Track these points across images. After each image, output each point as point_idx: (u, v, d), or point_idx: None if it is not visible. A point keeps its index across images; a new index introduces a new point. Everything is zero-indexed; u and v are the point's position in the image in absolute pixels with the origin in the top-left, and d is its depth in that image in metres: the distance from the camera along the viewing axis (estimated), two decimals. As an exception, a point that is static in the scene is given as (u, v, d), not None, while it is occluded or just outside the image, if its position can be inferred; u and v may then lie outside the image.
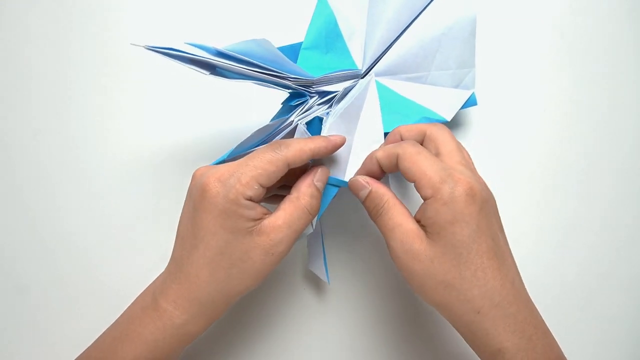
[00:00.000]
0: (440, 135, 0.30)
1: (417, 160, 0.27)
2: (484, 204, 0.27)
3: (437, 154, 0.29)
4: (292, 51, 0.35)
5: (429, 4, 0.35)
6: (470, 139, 0.41)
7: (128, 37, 0.42)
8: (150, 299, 0.29)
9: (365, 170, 0.31)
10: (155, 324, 0.28)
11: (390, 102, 0.35)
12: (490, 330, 0.26)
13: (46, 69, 0.41)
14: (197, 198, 0.27)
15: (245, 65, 0.29)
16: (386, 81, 0.36)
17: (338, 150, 0.31)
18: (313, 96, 0.33)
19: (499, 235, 0.28)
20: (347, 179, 0.32)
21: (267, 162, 0.27)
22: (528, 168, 0.41)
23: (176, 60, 0.27)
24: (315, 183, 0.30)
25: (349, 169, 0.33)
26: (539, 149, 0.41)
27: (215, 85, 0.40)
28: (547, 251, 0.40)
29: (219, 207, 0.27)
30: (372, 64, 0.35)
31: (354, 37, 0.35)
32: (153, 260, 0.32)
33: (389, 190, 0.30)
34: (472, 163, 0.30)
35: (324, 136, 0.30)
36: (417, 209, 0.28)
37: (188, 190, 0.29)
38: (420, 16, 0.35)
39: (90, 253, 0.39)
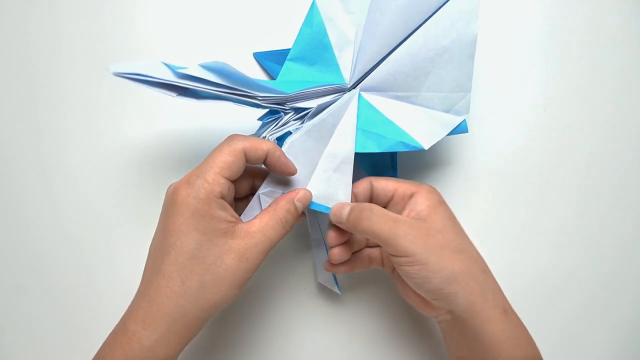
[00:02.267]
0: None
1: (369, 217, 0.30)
2: (444, 203, 0.33)
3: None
4: (282, 57, 0.35)
5: (427, 19, 0.33)
6: (467, 140, 0.41)
7: (127, 36, 0.41)
8: (120, 324, 0.28)
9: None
10: (123, 349, 0.26)
11: (369, 120, 0.34)
12: (495, 289, 0.30)
13: (43, 70, 0.41)
14: (168, 205, 0.28)
15: (213, 86, 0.29)
16: (371, 97, 0.35)
17: (300, 171, 0.32)
18: (288, 112, 0.33)
19: (459, 233, 0.32)
20: (312, 194, 0.33)
21: (225, 154, 0.28)
22: (525, 169, 0.41)
23: (145, 85, 0.28)
24: (295, 202, 0.30)
25: (312, 185, 0.33)
26: (535, 150, 0.41)
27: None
28: (546, 252, 0.41)
29: (190, 208, 0.27)
30: (360, 77, 0.34)
31: (345, 47, 0.34)
32: None
33: (368, 204, 0.31)
34: None
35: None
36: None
37: (164, 202, 0.29)
38: (417, 32, 0.33)
39: (90, 254, 0.39)
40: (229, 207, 0.28)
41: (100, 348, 0.28)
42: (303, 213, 0.33)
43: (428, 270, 0.29)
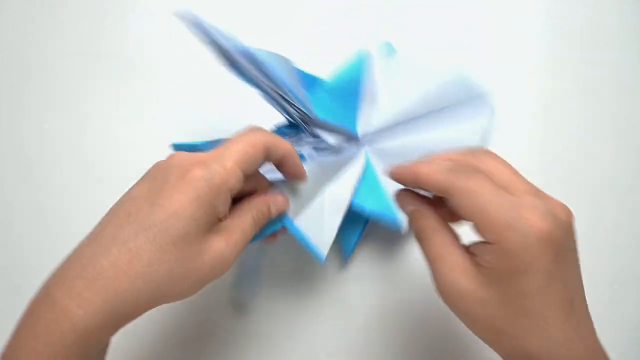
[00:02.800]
0: (492, 162, 0.25)
1: (475, 198, 0.22)
2: (560, 248, 0.22)
3: None
4: (308, 80, 0.35)
5: (449, 107, 0.36)
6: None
7: (129, 36, 0.43)
8: (43, 295, 0.22)
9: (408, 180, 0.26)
10: (49, 329, 0.21)
11: (366, 178, 0.35)
12: None
13: (49, 68, 0.42)
14: (174, 176, 0.24)
15: (263, 75, 0.28)
16: (376, 161, 0.35)
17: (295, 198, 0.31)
18: (307, 134, 0.33)
19: (572, 278, 0.23)
20: (296, 224, 0.31)
21: (247, 144, 0.26)
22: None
23: (202, 36, 0.25)
24: (271, 207, 0.29)
25: (303, 216, 0.32)
26: (537, 152, 0.41)
27: (220, 85, 0.40)
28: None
29: (197, 192, 0.24)
30: (372, 134, 0.35)
31: (369, 102, 0.35)
32: None
33: (432, 213, 0.26)
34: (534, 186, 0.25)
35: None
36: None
37: (154, 169, 0.26)
38: (437, 115, 0.35)
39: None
40: (229, 203, 0.26)
41: (20, 321, 0.23)
42: (275, 234, 0.31)
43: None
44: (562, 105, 0.42)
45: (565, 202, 0.33)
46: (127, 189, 0.26)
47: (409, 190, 0.27)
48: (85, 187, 0.40)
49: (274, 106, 0.30)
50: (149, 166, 0.27)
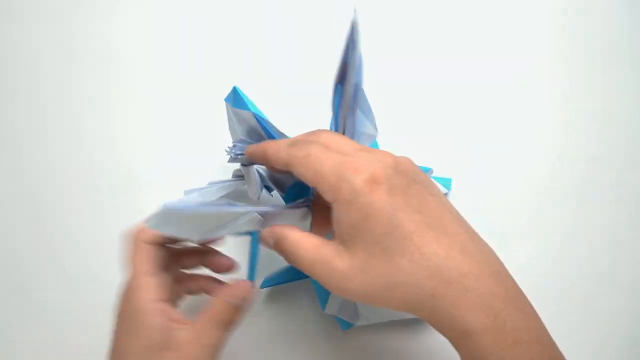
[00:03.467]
0: (326, 135, 0.26)
1: (308, 163, 0.24)
2: (393, 180, 0.23)
3: None
4: None
5: None
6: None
7: (128, 40, 0.43)
8: None
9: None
10: None
11: None
12: (451, 312, 0.22)
13: (48, 72, 0.42)
14: (121, 326, 0.27)
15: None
16: None
17: None
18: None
19: (429, 205, 0.24)
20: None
21: (138, 252, 0.28)
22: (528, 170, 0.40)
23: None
24: (226, 299, 0.27)
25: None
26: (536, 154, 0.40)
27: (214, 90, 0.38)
28: (548, 252, 0.38)
29: (126, 323, 0.26)
30: None
31: None
32: None
33: (291, 229, 0.26)
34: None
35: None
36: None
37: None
38: None
39: (91, 253, 0.39)
40: (167, 310, 0.26)
41: None
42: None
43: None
44: (577, 106, 0.41)
45: (579, 205, 0.40)
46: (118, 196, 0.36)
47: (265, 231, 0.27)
48: (86, 188, 0.40)
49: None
50: (140, 167, 0.38)
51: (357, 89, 0.27)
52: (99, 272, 0.38)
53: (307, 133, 0.27)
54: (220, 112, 0.33)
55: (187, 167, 0.40)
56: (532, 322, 0.23)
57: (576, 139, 0.40)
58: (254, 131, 0.30)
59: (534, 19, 0.42)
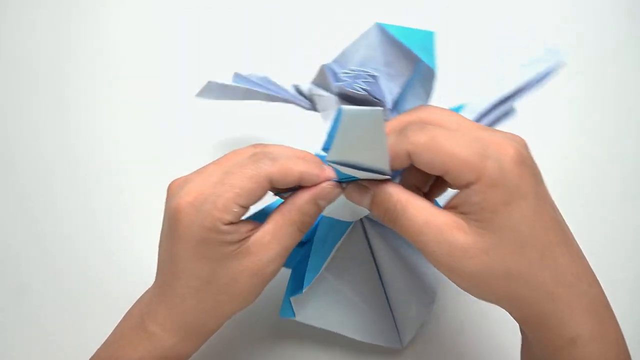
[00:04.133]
0: (437, 114, 0.24)
1: (437, 146, 0.22)
2: (535, 169, 0.22)
3: None
4: None
5: None
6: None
7: (128, 38, 0.43)
8: (138, 319, 0.27)
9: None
10: (144, 346, 0.26)
11: None
12: (565, 316, 0.22)
13: (47, 70, 0.42)
14: (171, 225, 0.24)
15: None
16: None
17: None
18: None
19: (552, 200, 0.23)
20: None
21: (247, 179, 0.23)
22: None
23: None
24: (319, 202, 0.25)
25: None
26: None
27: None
28: None
29: (195, 237, 0.23)
30: None
31: None
32: (154, 260, 0.31)
33: (397, 187, 0.24)
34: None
35: (317, 161, 0.25)
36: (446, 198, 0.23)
37: (165, 207, 0.26)
38: None
39: (91, 253, 0.38)
40: (240, 224, 0.24)
41: (116, 339, 0.27)
42: None
43: (466, 289, 0.24)
44: (586, 107, 0.41)
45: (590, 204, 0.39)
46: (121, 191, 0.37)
47: (356, 182, 0.25)
48: (86, 188, 0.40)
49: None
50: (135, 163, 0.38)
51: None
52: (92, 272, 0.38)
53: (408, 114, 0.25)
54: (215, 111, 0.37)
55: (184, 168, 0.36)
56: (620, 331, 0.23)
57: (584, 140, 0.41)
58: None
59: (538, 19, 0.43)
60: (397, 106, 0.28)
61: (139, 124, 0.41)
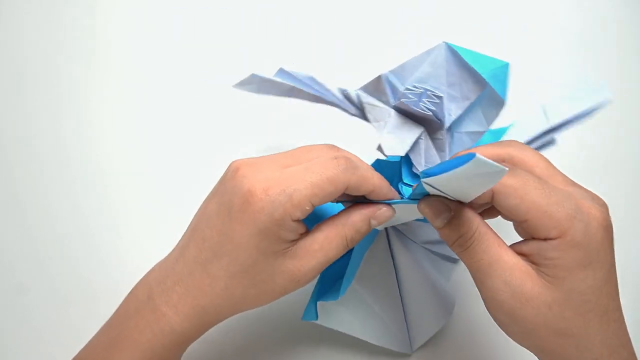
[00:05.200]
0: (528, 156, 0.24)
1: (526, 195, 0.21)
2: (612, 236, 0.23)
3: None
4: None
5: None
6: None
7: (129, 36, 0.43)
8: (147, 298, 0.26)
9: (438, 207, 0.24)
10: (151, 328, 0.25)
11: None
12: None
13: (44, 70, 0.42)
14: (236, 205, 0.23)
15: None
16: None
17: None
18: None
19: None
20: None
21: (326, 180, 0.23)
22: None
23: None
24: (372, 221, 0.25)
25: None
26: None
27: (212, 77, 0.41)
28: None
29: (259, 226, 0.23)
30: None
31: None
32: (154, 260, 0.31)
33: (477, 215, 0.24)
34: None
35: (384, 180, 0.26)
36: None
37: (222, 184, 0.25)
38: None
39: (91, 253, 0.38)
40: (300, 224, 0.24)
41: (120, 320, 0.27)
42: None
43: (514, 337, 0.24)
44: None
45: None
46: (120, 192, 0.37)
47: (438, 197, 0.24)
48: (86, 188, 0.40)
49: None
50: (141, 162, 0.38)
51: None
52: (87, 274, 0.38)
53: (497, 146, 0.25)
54: (214, 111, 0.39)
55: (183, 169, 0.40)
56: None
57: (585, 139, 0.41)
58: None
59: (539, 20, 0.43)
60: (451, 127, 0.28)
61: (138, 126, 0.41)
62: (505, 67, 0.26)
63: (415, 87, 0.27)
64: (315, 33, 0.44)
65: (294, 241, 0.24)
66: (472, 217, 0.23)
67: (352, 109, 0.30)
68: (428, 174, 0.20)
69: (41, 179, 0.40)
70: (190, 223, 0.26)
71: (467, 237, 0.23)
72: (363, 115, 0.30)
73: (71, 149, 0.40)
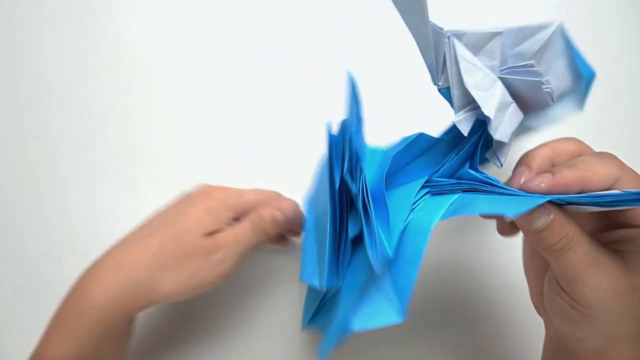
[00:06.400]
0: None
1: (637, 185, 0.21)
2: None
3: None
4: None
5: None
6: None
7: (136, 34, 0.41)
8: (76, 282, 0.27)
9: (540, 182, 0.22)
10: (76, 307, 0.26)
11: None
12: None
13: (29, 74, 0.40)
14: (196, 195, 0.29)
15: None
16: None
17: None
18: None
19: None
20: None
21: (253, 242, 0.29)
22: None
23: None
24: (273, 213, 0.29)
25: None
26: None
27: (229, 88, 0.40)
28: None
29: (209, 205, 0.28)
30: None
31: None
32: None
33: (572, 217, 0.22)
34: None
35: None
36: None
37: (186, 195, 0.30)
38: None
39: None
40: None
41: (56, 312, 0.27)
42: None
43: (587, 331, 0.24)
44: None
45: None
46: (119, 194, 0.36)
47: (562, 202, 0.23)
48: (86, 187, 0.38)
49: None
50: (155, 168, 0.37)
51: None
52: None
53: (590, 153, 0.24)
54: (240, 114, 0.38)
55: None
56: None
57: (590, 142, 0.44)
58: None
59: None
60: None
61: (139, 126, 0.39)
62: (593, 76, 0.25)
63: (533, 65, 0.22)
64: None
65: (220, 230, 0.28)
66: (570, 220, 0.22)
67: (431, 56, 0.21)
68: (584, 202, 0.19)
69: (49, 178, 0.38)
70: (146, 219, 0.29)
71: (568, 240, 0.22)
72: (436, 70, 0.22)
73: (72, 148, 0.38)
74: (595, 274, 0.22)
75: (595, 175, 0.22)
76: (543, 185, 0.22)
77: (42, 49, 0.41)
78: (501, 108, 0.22)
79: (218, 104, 0.39)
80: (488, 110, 0.21)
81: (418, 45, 0.21)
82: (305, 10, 0.42)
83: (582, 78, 0.25)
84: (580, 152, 0.24)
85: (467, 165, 0.24)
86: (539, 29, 0.23)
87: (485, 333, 0.36)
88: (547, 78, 0.22)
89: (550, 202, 0.21)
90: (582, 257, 0.22)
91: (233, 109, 0.39)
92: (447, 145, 0.25)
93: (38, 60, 0.40)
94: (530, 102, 0.23)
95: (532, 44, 0.23)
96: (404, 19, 0.20)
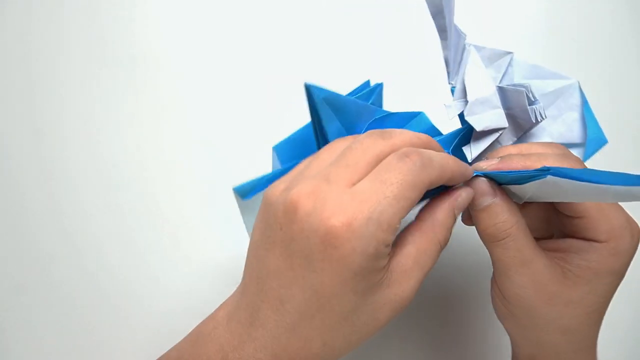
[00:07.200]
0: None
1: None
2: None
3: None
4: None
5: None
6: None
7: (138, 33, 0.41)
8: (215, 344, 0.22)
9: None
10: None
11: None
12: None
13: (42, 70, 0.40)
14: (316, 254, 0.19)
15: None
16: None
17: None
18: None
19: None
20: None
21: (408, 187, 0.19)
22: None
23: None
24: (456, 211, 0.22)
25: None
26: None
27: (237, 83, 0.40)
28: None
29: (354, 269, 0.19)
30: None
31: None
32: (155, 261, 0.31)
33: (517, 210, 0.23)
34: None
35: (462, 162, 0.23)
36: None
37: (280, 230, 0.20)
38: None
39: (91, 254, 0.37)
40: (390, 244, 0.21)
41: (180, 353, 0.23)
42: None
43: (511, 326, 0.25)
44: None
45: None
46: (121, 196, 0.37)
47: (489, 177, 0.23)
48: (85, 188, 0.38)
49: None
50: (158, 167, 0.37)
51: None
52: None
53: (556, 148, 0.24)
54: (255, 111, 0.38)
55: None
56: None
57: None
58: None
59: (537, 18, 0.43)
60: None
61: (142, 127, 0.39)
62: (604, 144, 0.26)
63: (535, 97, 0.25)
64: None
65: (387, 265, 0.21)
66: (514, 213, 0.22)
67: (450, 52, 0.26)
68: (563, 173, 0.19)
69: (41, 179, 0.38)
70: (248, 276, 0.22)
71: (502, 229, 0.22)
72: (452, 70, 0.26)
73: (82, 148, 0.39)
74: (523, 273, 0.22)
75: (537, 163, 0.22)
76: (484, 167, 0.23)
77: (56, 45, 0.40)
78: (487, 103, 0.25)
79: (227, 102, 0.40)
80: (472, 94, 0.25)
81: (442, 42, 0.26)
82: (313, 9, 0.42)
83: (587, 137, 0.26)
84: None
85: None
86: (554, 74, 0.26)
87: (485, 333, 0.36)
88: (540, 103, 0.25)
89: (502, 191, 0.23)
90: (513, 252, 0.22)
91: (240, 109, 0.40)
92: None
93: (52, 56, 0.40)
94: (519, 119, 0.26)
95: (544, 85, 0.26)
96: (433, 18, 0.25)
